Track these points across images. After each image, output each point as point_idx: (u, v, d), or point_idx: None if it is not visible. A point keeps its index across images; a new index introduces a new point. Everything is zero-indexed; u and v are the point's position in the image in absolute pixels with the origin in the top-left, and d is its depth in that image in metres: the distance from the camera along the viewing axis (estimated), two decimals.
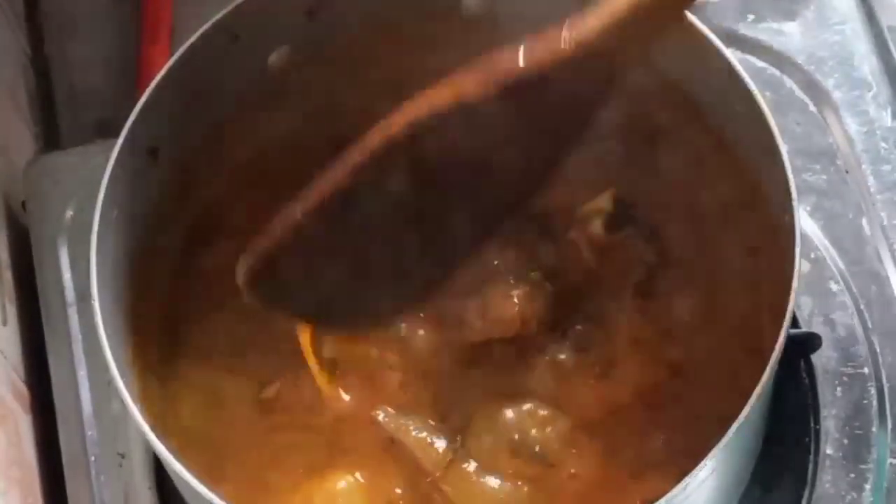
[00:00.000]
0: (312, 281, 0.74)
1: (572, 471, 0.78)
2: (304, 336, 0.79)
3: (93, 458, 0.88)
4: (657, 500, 0.68)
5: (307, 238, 0.70)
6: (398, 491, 0.78)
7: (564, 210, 0.84)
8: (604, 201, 0.83)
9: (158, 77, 0.78)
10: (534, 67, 0.65)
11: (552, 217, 0.84)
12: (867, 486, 0.83)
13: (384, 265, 0.73)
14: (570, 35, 0.64)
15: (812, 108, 0.94)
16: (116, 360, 0.73)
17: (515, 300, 0.81)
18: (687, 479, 0.68)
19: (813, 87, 0.94)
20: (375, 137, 0.66)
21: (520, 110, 0.65)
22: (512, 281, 0.82)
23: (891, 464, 0.84)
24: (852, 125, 0.93)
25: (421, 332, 0.82)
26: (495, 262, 0.83)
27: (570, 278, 0.83)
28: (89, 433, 0.89)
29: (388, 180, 0.67)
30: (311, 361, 0.79)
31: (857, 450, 0.84)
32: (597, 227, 0.83)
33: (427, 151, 0.66)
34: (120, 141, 0.77)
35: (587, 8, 0.66)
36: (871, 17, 0.96)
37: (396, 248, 0.72)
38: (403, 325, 0.81)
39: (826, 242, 0.90)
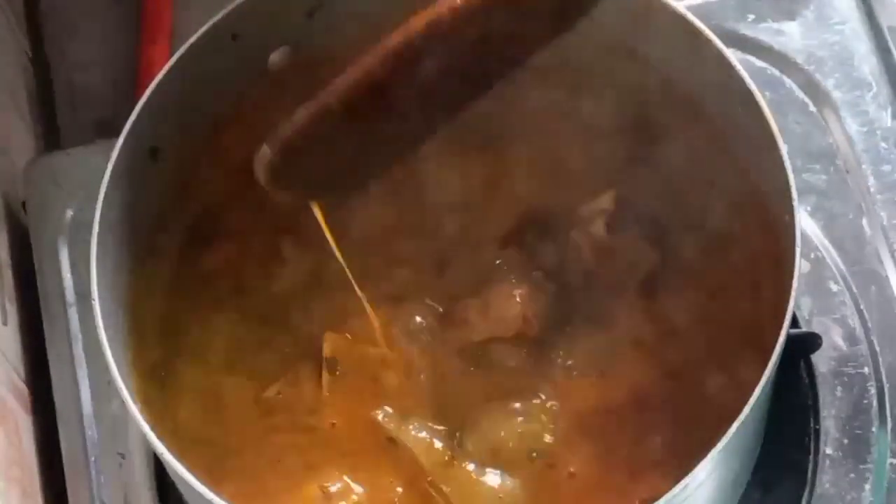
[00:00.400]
0: (325, 165, 0.76)
1: (572, 470, 0.78)
2: (321, 215, 0.80)
3: (93, 458, 0.88)
4: (657, 500, 0.68)
5: (329, 125, 0.73)
6: (398, 491, 0.78)
7: (566, 210, 0.84)
8: (605, 201, 0.83)
9: (158, 77, 0.78)
10: None
11: (553, 217, 0.84)
12: (867, 486, 0.83)
13: (381, 144, 0.77)
14: None
15: (812, 108, 0.94)
16: (116, 360, 0.73)
17: (517, 299, 0.81)
18: (687, 479, 0.68)
19: (813, 87, 0.94)
20: (396, 37, 0.72)
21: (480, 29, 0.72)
22: (514, 280, 0.82)
23: (891, 464, 0.84)
24: (852, 125, 0.93)
25: (422, 331, 0.82)
26: (497, 262, 0.83)
27: (572, 278, 0.83)
28: (89, 433, 0.89)
29: (403, 75, 0.73)
30: (331, 238, 0.80)
31: (857, 450, 0.84)
32: (598, 226, 0.83)
33: (420, 60, 0.72)
34: (120, 141, 0.77)
35: None
36: (871, 17, 0.96)
37: (390, 130, 0.76)
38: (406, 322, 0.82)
39: (826, 242, 0.90)
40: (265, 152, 0.75)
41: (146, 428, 0.71)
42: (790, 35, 0.96)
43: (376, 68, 0.72)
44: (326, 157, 0.75)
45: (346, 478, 0.78)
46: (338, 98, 0.73)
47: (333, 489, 0.78)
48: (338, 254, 0.80)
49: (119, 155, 0.77)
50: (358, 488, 0.78)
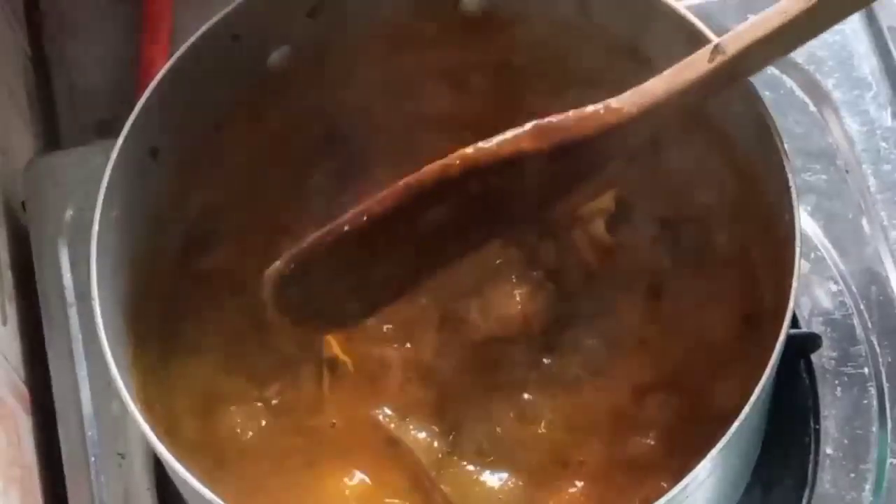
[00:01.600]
0: (332, 291, 0.76)
1: (571, 470, 0.78)
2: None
3: (93, 458, 0.88)
4: (657, 500, 0.68)
5: (339, 251, 0.73)
6: (398, 490, 0.78)
7: (566, 210, 0.84)
8: (605, 201, 0.83)
9: (158, 77, 0.78)
10: (588, 131, 0.72)
11: (553, 217, 0.84)
12: (867, 486, 0.83)
13: (397, 273, 0.76)
14: (629, 103, 0.71)
15: (812, 108, 0.94)
16: (116, 360, 0.73)
17: (518, 299, 0.81)
18: (687, 479, 0.68)
19: (813, 87, 0.94)
20: (433, 170, 0.71)
21: (559, 161, 0.72)
22: (514, 280, 0.82)
23: (891, 464, 0.84)
24: (852, 125, 0.93)
25: (423, 331, 0.82)
26: (498, 262, 0.83)
27: (572, 278, 0.83)
28: (89, 433, 0.89)
29: (430, 209, 0.73)
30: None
31: (857, 450, 0.84)
32: (599, 226, 0.83)
33: (471, 189, 0.72)
34: (120, 141, 0.77)
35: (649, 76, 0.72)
36: (871, 17, 0.96)
37: (412, 259, 0.76)
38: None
39: (826, 242, 0.90)
40: (275, 268, 0.74)
41: (146, 428, 0.71)
42: None
43: (389, 202, 0.72)
44: (334, 283, 0.75)
45: (346, 478, 0.78)
46: (350, 225, 0.72)
47: (333, 489, 0.78)
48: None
49: (119, 155, 0.77)
50: (358, 488, 0.78)
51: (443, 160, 0.71)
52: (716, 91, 0.72)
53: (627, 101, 0.71)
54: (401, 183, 0.71)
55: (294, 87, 0.85)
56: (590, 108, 0.72)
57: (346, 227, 0.72)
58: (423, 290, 0.80)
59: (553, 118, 0.71)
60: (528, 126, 0.71)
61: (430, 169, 0.71)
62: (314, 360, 0.82)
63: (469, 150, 0.71)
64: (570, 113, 0.72)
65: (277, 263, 0.74)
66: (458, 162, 0.71)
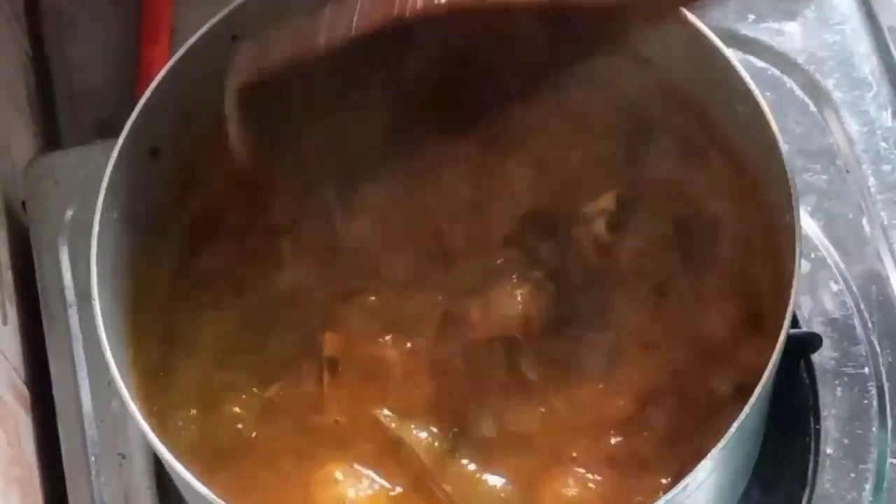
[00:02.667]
0: (296, 130, 0.71)
1: (572, 470, 0.78)
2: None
3: (93, 458, 0.88)
4: (657, 500, 0.68)
5: (309, 77, 0.68)
6: (399, 490, 0.78)
7: (566, 210, 0.84)
8: (606, 201, 0.83)
9: (158, 77, 0.78)
10: None
11: (554, 217, 0.84)
12: (867, 486, 0.83)
13: (367, 130, 0.72)
14: None
15: (812, 108, 0.94)
16: (116, 360, 0.73)
17: (519, 299, 0.81)
18: (687, 479, 0.68)
19: (813, 87, 0.94)
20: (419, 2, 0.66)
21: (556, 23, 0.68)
22: (515, 280, 0.82)
23: (891, 464, 0.84)
24: (852, 125, 0.93)
25: (424, 330, 0.82)
26: (498, 262, 0.83)
27: (573, 278, 0.83)
28: (89, 433, 0.89)
29: (412, 53, 0.68)
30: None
31: (857, 450, 0.84)
32: (599, 226, 0.83)
33: (457, 35, 0.67)
34: (120, 141, 0.77)
35: None
36: (871, 17, 0.96)
37: (391, 125, 0.71)
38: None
39: (826, 242, 0.90)
40: (240, 77, 0.68)
41: (146, 428, 0.71)
42: (790, 35, 0.96)
43: (369, 24, 0.66)
44: (302, 122, 0.69)
45: (347, 478, 0.78)
46: (326, 40, 0.67)
47: (334, 488, 0.78)
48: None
49: (119, 155, 0.77)
50: (358, 488, 0.78)
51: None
52: None
53: None
54: (380, 11, 0.66)
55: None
56: None
57: (320, 40, 0.66)
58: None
59: None
60: None
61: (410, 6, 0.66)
62: (315, 359, 0.82)
63: None
64: None
65: (243, 74, 0.68)
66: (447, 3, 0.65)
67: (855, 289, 0.88)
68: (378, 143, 0.74)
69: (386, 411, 0.80)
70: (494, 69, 0.69)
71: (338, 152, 0.72)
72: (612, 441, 0.78)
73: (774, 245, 0.76)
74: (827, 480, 0.84)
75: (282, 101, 0.68)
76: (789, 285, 0.71)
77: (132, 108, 0.78)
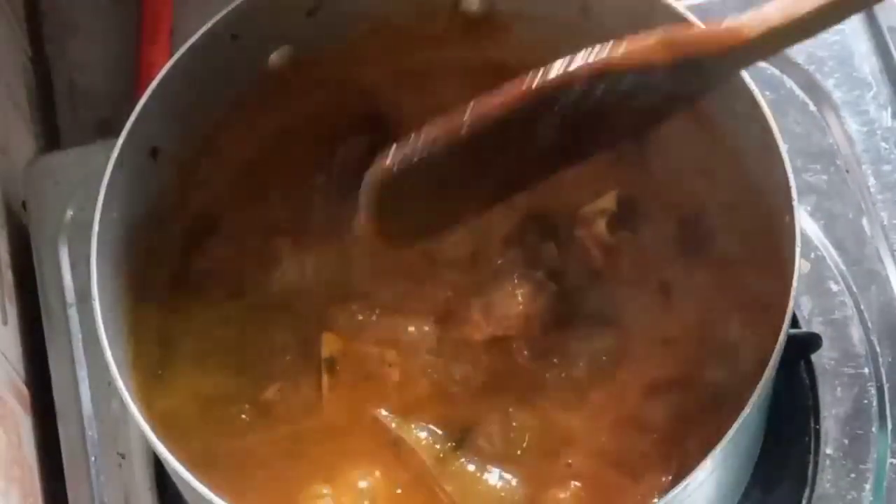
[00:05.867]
0: (423, 203, 0.73)
1: (572, 470, 0.78)
2: None
3: (93, 458, 0.88)
4: (657, 500, 0.68)
5: (448, 155, 0.69)
6: (399, 490, 0.78)
7: (567, 211, 0.84)
8: (607, 201, 0.83)
9: (158, 77, 0.78)
10: (711, 50, 0.69)
11: (555, 217, 0.84)
12: (867, 486, 0.83)
13: (494, 183, 0.73)
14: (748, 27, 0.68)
15: (812, 108, 0.94)
16: (116, 360, 0.73)
17: (520, 299, 0.81)
18: (687, 480, 0.68)
19: (813, 87, 0.94)
20: (552, 79, 0.68)
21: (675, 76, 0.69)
22: (516, 280, 0.82)
23: (891, 464, 0.84)
24: (852, 125, 0.93)
25: (424, 330, 0.82)
26: (499, 262, 0.83)
27: (574, 278, 0.83)
28: (89, 433, 0.89)
29: (545, 117, 0.69)
30: None
31: (857, 450, 0.84)
32: (600, 227, 0.83)
33: (594, 95, 0.69)
34: (120, 141, 0.77)
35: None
36: (871, 17, 0.96)
37: (513, 169, 0.73)
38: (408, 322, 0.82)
39: (826, 242, 0.90)
40: (382, 167, 0.70)
41: (146, 428, 0.71)
42: None
43: (512, 104, 0.68)
44: (431, 191, 0.71)
45: (347, 478, 0.78)
46: (470, 128, 0.69)
47: (335, 489, 0.78)
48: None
49: (119, 155, 0.77)
50: (359, 488, 0.78)
51: (567, 68, 0.68)
52: (827, 25, 0.69)
53: (747, 25, 0.68)
54: (524, 87, 0.68)
55: (294, 87, 0.85)
56: (713, 27, 0.69)
57: (464, 129, 0.68)
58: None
59: (678, 33, 0.69)
60: (655, 37, 0.68)
61: (554, 73, 0.68)
62: (313, 360, 0.82)
63: (598, 57, 0.67)
64: (695, 30, 0.70)
65: (385, 161, 0.69)
66: (587, 67, 0.67)
67: (855, 289, 0.88)
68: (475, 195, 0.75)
69: (385, 411, 0.80)
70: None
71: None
72: (613, 441, 0.78)
73: (774, 245, 0.76)
74: (827, 480, 0.84)
75: (408, 191, 0.71)
76: (789, 285, 0.71)
77: (132, 108, 0.78)
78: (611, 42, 0.67)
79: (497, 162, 0.71)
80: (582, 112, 0.69)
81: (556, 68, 0.68)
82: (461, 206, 0.74)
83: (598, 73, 0.68)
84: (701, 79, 0.70)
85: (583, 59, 0.68)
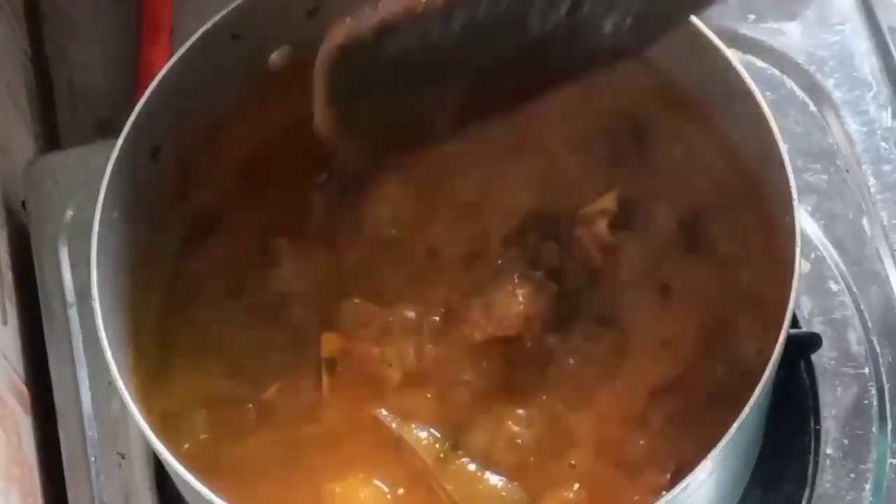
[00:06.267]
0: (383, 99, 0.71)
1: (573, 470, 0.78)
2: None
3: (93, 458, 0.88)
4: (657, 499, 0.68)
5: (395, 43, 0.67)
6: (400, 491, 0.78)
7: (567, 211, 0.84)
8: (607, 201, 0.83)
9: (158, 77, 0.78)
10: None
11: (555, 217, 0.84)
12: (867, 486, 0.83)
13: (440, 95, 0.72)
14: None
15: (812, 108, 0.94)
16: (116, 361, 0.73)
17: (520, 298, 0.81)
18: (687, 480, 0.68)
19: (813, 87, 0.94)
20: None
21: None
22: (516, 280, 0.82)
23: (891, 464, 0.84)
24: (852, 125, 0.93)
25: (424, 330, 0.82)
26: (499, 262, 0.83)
27: (574, 278, 0.83)
28: (89, 433, 0.89)
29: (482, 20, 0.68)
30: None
31: (857, 450, 0.84)
32: (600, 227, 0.83)
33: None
34: (120, 141, 0.77)
35: None
36: (871, 17, 0.96)
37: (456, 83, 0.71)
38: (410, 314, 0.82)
39: (826, 242, 0.90)
40: (335, 43, 0.67)
41: (146, 428, 0.71)
42: (790, 35, 0.96)
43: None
44: (394, 79, 0.69)
45: (347, 478, 0.78)
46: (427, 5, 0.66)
47: (335, 490, 0.78)
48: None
49: (119, 155, 0.77)
50: (359, 488, 0.78)
51: None
52: None
53: None
54: None
55: (294, 87, 0.85)
56: None
57: (420, 7, 0.66)
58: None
59: None
60: None
61: None
62: (314, 360, 0.82)
63: None
64: None
65: (338, 38, 0.67)
66: None
67: (855, 289, 0.88)
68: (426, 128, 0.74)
69: (386, 411, 0.80)
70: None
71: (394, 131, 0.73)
72: (613, 441, 0.78)
73: (774, 245, 0.76)
74: (827, 480, 0.84)
75: (363, 75, 0.69)
76: (789, 285, 0.71)
77: (132, 108, 0.78)
78: None
79: (458, 64, 0.69)
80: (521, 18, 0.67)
81: None
82: (426, 115, 0.72)
83: None
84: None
85: None
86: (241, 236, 0.86)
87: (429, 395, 0.80)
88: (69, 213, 0.95)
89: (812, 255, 0.89)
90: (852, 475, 0.84)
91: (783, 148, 0.73)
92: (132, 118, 0.77)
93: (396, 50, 0.68)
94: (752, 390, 0.69)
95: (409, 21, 0.67)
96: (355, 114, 0.71)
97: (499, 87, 0.72)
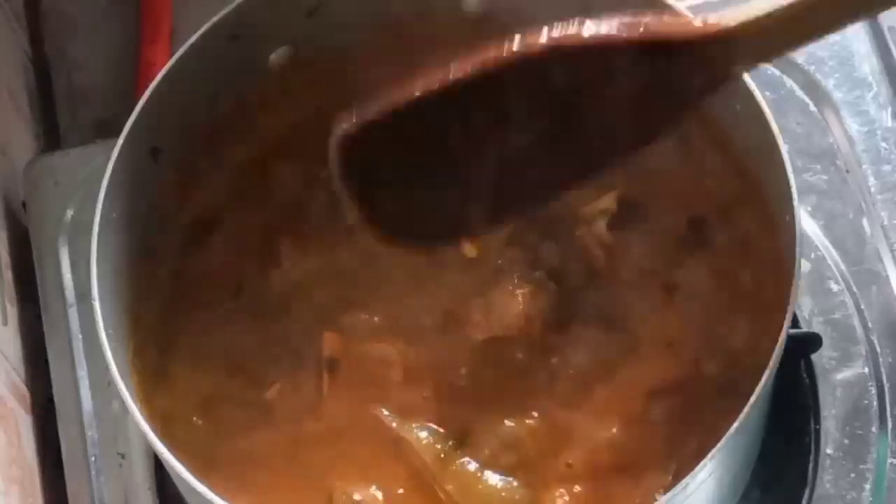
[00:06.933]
0: (395, 180, 0.70)
1: (573, 470, 0.78)
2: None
3: (93, 458, 0.88)
4: (657, 500, 0.68)
5: (407, 127, 0.67)
6: (400, 490, 0.78)
7: (567, 211, 0.84)
8: (607, 202, 0.83)
9: (158, 77, 0.78)
10: (683, 34, 0.65)
11: (555, 217, 0.84)
12: (867, 486, 0.83)
13: (463, 183, 0.70)
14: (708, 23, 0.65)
15: (812, 108, 0.94)
16: (116, 360, 0.73)
17: (520, 298, 0.81)
18: (687, 479, 0.68)
19: (813, 87, 0.94)
20: (516, 49, 0.66)
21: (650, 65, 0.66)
22: (516, 280, 0.82)
23: (891, 464, 0.84)
24: (852, 125, 0.93)
25: (424, 330, 0.82)
26: (499, 262, 0.83)
27: (574, 278, 0.83)
28: (89, 433, 0.89)
29: (508, 98, 0.67)
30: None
31: (857, 450, 0.84)
32: (600, 227, 0.83)
33: (551, 82, 0.66)
34: (120, 141, 0.77)
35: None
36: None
37: (481, 170, 0.69)
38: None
39: (826, 242, 0.90)
40: (343, 130, 0.67)
41: (146, 428, 0.71)
42: None
43: (465, 71, 0.66)
44: (397, 171, 0.69)
45: (347, 478, 0.78)
46: (424, 91, 0.66)
47: (335, 489, 0.78)
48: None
49: (119, 155, 0.77)
50: (360, 488, 0.78)
51: (527, 41, 0.65)
52: (820, 29, 0.65)
53: (724, 16, 0.64)
54: (476, 59, 0.65)
55: (294, 87, 0.85)
56: (684, 18, 0.66)
57: (416, 93, 0.66)
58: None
59: (646, 18, 0.65)
60: (614, 20, 0.64)
61: (507, 48, 0.65)
62: (314, 360, 0.82)
63: (560, 32, 0.64)
64: (665, 17, 0.66)
65: (345, 125, 0.67)
66: (539, 42, 0.64)
67: (855, 289, 0.88)
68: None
69: (386, 411, 0.80)
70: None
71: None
72: (613, 441, 0.78)
73: (774, 245, 0.76)
74: (827, 480, 0.84)
75: (379, 154, 0.69)
76: (789, 285, 0.71)
77: (132, 108, 0.78)
78: (575, 20, 0.65)
79: (485, 151, 0.68)
80: (557, 95, 0.66)
81: (517, 40, 0.66)
82: (457, 208, 0.71)
83: (557, 46, 0.65)
84: (681, 73, 0.67)
85: (545, 33, 0.65)
86: (241, 236, 0.86)
87: (429, 395, 0.80)
88: (69, 213, 0.95)
89: (812, 255, 0.89)
90: (852, 475, 0.84)
91: (783, 148, 0.73)
92: (132, 118, 0.77)
93: (405, 134, 0.68)
94: (752, 390, 0.69)
95: (411, 106, 0.67)
96: (385, 202, 0.71)
97: (536, 174, 0.70)
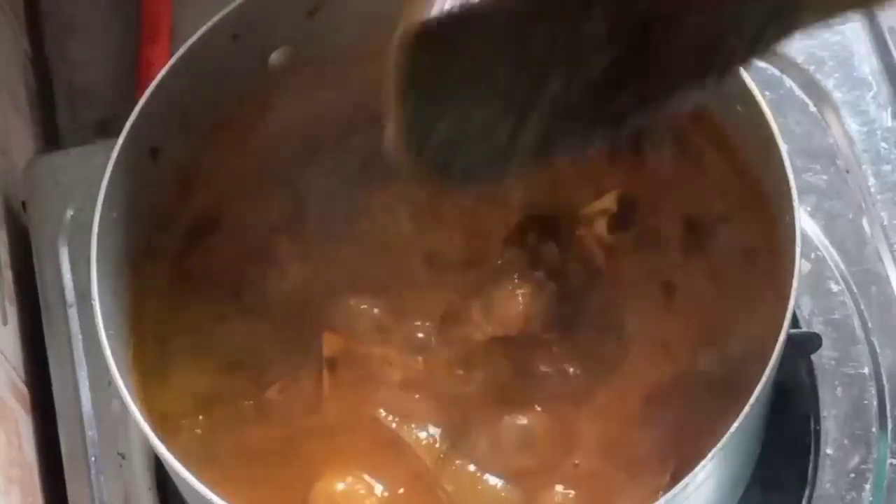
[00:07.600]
0: (453, 99, 0.62)
1: (573, 470, 0.78)
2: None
3: (93, 458, 0.88)
4: (657, 500, 0.68)
5: (487, 33, 0.58)
6: (400, 490, 0.78)
7: (567, 211, 0.84)
8: (607, 202, 0.83)
9: (158, 77, 0.78)
10: None
11: (555, 217, 0.84)
12: (867, 486, 0.83)
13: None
14: None
15: (812, 108, 0.94)
16: (116, 360, 0.73)
17: (520, 298, 0.81)
18: (687, 480, 0.68)
19: (813, 87, 0.94)
20: None
21: None
22: (516, 280, 0.82)
23: (891, 464, 0.84)
24: (852, 125, 0.93)
25: (424, 330, 0.82)
26: (499, 262, 0.83)
27: (575, 278, 0.83)
28: (89, 433, 0.89)
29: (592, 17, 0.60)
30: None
31: (857, 450, 0.84)
32: (600, 227, 0.83)
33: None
34: (120, 141, 0.77)
35: None
36: (871, 17, 0.96)
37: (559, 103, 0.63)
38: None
39: (826, 242, 0.90)
40: (418, 21, 0.58)
41: (146, 428, 0.71)
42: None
43: None
44: (486, 80, 0.60)
45: (347, 478, 0.78)
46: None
47: (335, 490, 0.78)
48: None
49: (119, 155, 0.77)
50: (360, 488, 0.78)
51: None
52: None
53: None
54: None
55: (294, 87, 0.85)
56: None
57: None
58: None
59: None
60: None
61: None
62: (314, 360, 0.82)
63: None
64: None
65: (418, 19, 0.58)
66: None
67: (855, 289, 0.88)
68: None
69: (386, 411, 0.80)
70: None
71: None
72: (613, 441, 0.78)
73: (774, 245, 0.76)
74: (827, 480, 0.84)
75: (442, 68, 0.60)
76: (789, 285, 0.71)
77: (132, 108, 0.78)
78: None
79: (552, 73, 0.60)
80: (641, 18, 0.59)
81: None
82: (505, 138, 0.63)
83: None
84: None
85: None
86: (242, 236, 0.86)
87: (429, 396, 0.80)
88: (69, 213, 0.95)
89: (812, 255, 0.89)
90: (852, 475, 0.83)
91: (783, 148, 0.73)
92: (132, 118, 0.77)
93: (482, 38, 0.59)
94: (752, 390, 0.69)
95: (501, 5, 0.58)
96: (428, 125, 0.62)
97: (593, 109, 0.64)
